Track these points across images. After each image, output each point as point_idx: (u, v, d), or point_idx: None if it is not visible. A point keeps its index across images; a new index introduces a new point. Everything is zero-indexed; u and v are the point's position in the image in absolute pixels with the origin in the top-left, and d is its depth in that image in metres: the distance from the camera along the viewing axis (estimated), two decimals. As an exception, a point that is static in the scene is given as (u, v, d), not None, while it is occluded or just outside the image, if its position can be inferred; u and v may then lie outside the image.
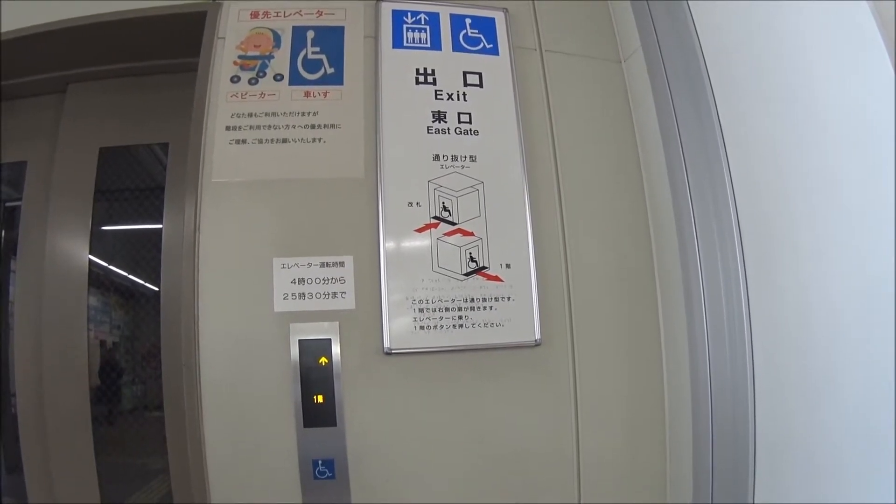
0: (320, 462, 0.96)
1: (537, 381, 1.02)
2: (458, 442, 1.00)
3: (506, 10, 1.15)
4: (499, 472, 1.00)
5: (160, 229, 1.15)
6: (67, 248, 1.15)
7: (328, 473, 0.96)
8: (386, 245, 0.99)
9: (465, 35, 1.11)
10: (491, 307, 1.00)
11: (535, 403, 1.02)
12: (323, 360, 0.98)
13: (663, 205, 1.07)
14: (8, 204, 1.28)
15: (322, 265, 0.99)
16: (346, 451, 0.97)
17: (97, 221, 1.17)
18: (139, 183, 1.23)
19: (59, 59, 1.19)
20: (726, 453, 0.92)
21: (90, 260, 1.16)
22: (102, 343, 1.21)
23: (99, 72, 1.20)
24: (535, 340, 1.00)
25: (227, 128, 1.03)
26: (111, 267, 1.23)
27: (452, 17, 1.12)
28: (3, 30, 1.17)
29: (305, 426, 0.96)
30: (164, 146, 1.18)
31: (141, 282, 1.26)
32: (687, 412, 1.00)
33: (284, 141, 1.02)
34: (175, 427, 1.04)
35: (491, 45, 1.11)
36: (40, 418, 1.12)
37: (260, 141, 1.02)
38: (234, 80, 1.06)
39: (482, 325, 1.00)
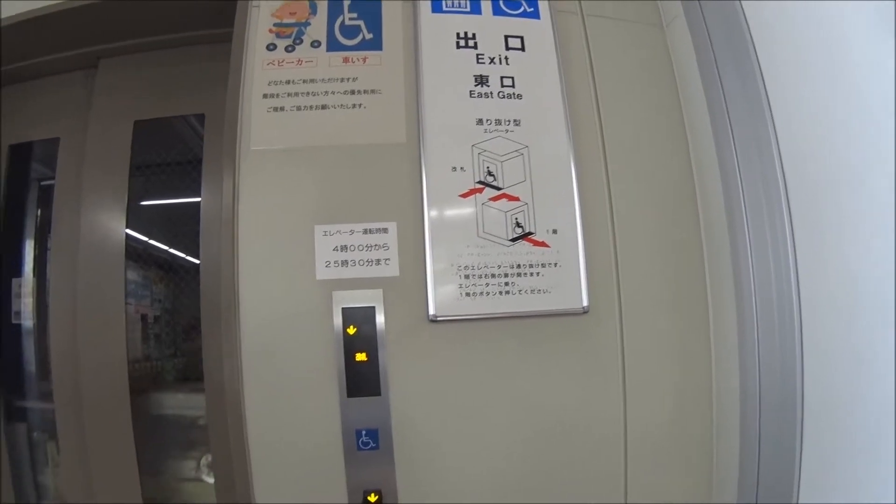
0: (364, 432, 0.94)
1: (584, 349, 0.99)
2: (504, 411, 0.97)
3: (546, -26, 1.11)
4: (544, 442, 0.97)
5: (198, 201, 1.12)
6: (103, 223, 1.14)
7: (372, 444, 0.94)
8: (430, 211, 0.96)
9: (505, -2, 1.08)
10: (538, 273, 0.97)
11: (581, 372, 0.99)
12: (367, 328, 0.94)
13: (710, 172, 1.04)
14: (43, 183, 1.26)
15: (365, 232, 0.96)
16: (391, 420, 0.95)
17: (133, 195, 1.15)
18: (175, 155, 1.22)
19: (89, 35, 1.18)
20: (773, 428, 0.89)
21: (127, 234, 1.14)
22: (143, 317, 1.19)
23: (130, 46, 1.18)
24: (583, 308, 0.97)
25: (265, 95, 1.01)
26: (149, 240, 1.22)
27: (492, -20, 1.09)
28: (32, 7, 1.15)
29: (349, 396, 0.94)
30: (200, 117, 1.15)
31: (180, 254, 1.24)
32: (734, 384, 0.96)
33: (324, 107, 1.00)
34: (214, 399, 1.02)
35: (532, 9, 1.09)
36: (76, 392, 1.10)
37: (298, 108, 1.00)
38: (270, 47, 1.04)
39: (529, 291, 0.97)
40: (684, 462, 1.01)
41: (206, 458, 1.20)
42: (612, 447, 0.98)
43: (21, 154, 1.31)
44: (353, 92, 1.01)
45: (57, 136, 1.22)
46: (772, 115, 0.93)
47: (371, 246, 0.96)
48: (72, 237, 1.16)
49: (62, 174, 1.20)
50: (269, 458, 0.95)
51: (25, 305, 1.28)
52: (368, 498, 0.96)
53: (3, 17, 1.21)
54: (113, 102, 1.19)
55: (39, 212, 1.33)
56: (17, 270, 1.31)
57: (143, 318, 1.21)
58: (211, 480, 1.12)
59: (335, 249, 0.96)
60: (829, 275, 0.80)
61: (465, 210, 0.97)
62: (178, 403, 1.26)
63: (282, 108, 1.00)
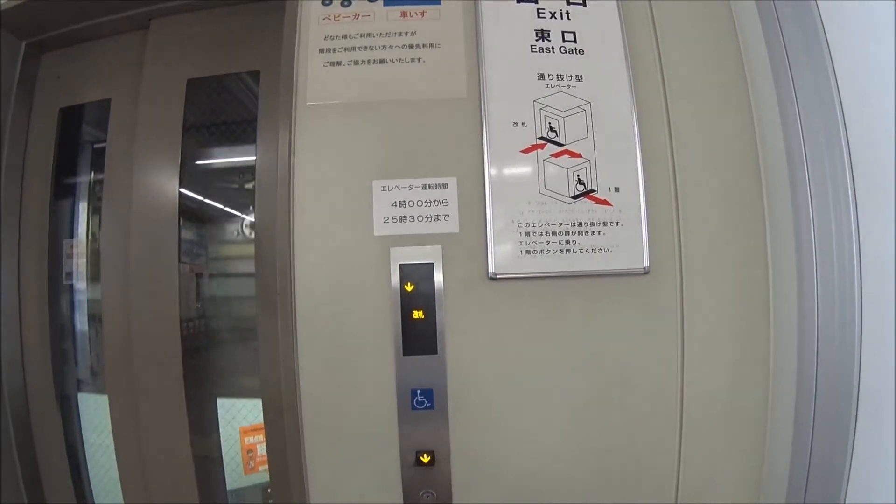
0: (419, 392, 0.92)
1: (644, 310, 0.96)
2: (561, 371, 0.95)
3: (604, -71, 1.08)
4: (600, 403, 0.95)
5: (253, 158, 1.11)
6: (156, 183, 1.13)
7: (427, 404, 0.92)
8: (491, 166, 0.94)
9: (564, -48, 1.05)
10: (599, 232, 0.94)
11: (640, 334, 0.96)
12: (425, 285, 0.92)
13: (772, 133, 1.00)
14: (95, 145, 1.27)
15: (424, 187, 0.94)
16: (447, 380, 0.93)
17: (187, 154, 1.14)
18: (230, 113, 1.21)
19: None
20: (829, 399, 0.86)
21: (181, 193, 1.13)
22: (198, 275, 1.19)
23: (182, 5, 1.17)
24: (644, 268, 0.95)
25: (321, 50, 1.00)
26: (204, 199, 1.21)
27: (549, -66, 1.06)
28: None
29: (405, 354, 0.92)
30: (255, 74, 1.14)
31: (235, 212, 1.23)
32: (792, 353, 0.93)
33: (382, 62, 0.98)
34: (268, 355, 1.01)
35: (592, -36, 1.05)
36: (127, 352, 1.10)
37: (356, 62, 0.98)
38: (326, 2, 1.02)
39: (590, 250, 0.94)
40: (739, 423, 0.98)
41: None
42: (668, 406, 0.96)
43: (72, 116, 1.31)
44: (411, 46, 0.99)
45: (108, 98, 1.21)
46: (834, 70, 0.89)
47: (430, 202, 0.94)
48: (124, 198, 1.16)
49: (114, 135, 1.20)
50: (321, 416, 0.95)
51: (77, 266, 1.28)
52: (421, 458, 0.94)
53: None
54: (165, 62, 1.18)
55: (93, 174, 1.33)
56: (69, 231, 1.32)
57: (199, 276, 1.21)
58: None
59: (393, 205, 0.94)
60: (889, 237, 0.76)
61: (526, 166, 0.95)
62: (232, 362, 1.26)
63: (338, 63, 0.98)
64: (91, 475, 1.33)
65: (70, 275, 1.28)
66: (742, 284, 0.99)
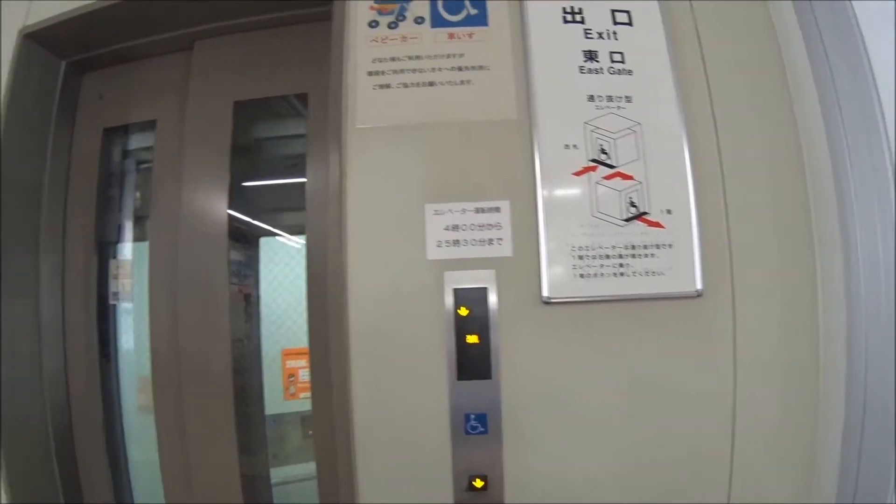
0: (472, 416, 0.92)
1: (698, 333, 0.96)
2: (614, 394, 0.94)
3: (647, -54, 1.07)
4: (654, 428, 0.94)
5: (302, 180, 1.11)
6: (205, 204, 1.14)
7: (480, 428, 0.92)
8: (543, 189, 0.94)
9: (609, -28, 1.05)
10: (652, 255, 0.94)
11: (693, 357, 0.95)
12: (478, 309, 0.92)
13: (818, 150, 0.99)
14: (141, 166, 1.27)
15: (477, 211, 0.94)
16: (500, 404, 0.93)
17: (235, 175, 1.15)
18: (278, 135, 1.21)
19: (184, 17, 1.17)
20: (877, 420, 0.86)
21: (230, 214, 1.14)
22: (247, 296, 1.19)
23: (226, 27, 1.17)
24: (697, 291, 0.94)
25: (370, 73, 1.00)
26: (253, 221, 1.21)
27: (594, -47, 1.05)
28: (125, -9, 1.15)
29: (459, 379, 0.92)
30: (302, 96, 1.14)
31: (284, 234, 1.24)
32: (840, 374, 0.93)
33: (431, 84, 0.98)
34: (319, 378, 1.01)
35: (637, -18, 1.05)
36: (175, 371, 1.11)
37: (405, 85, 0.98)
38: (373, 24, 1.02)
39: (643, 273, 0.93)
40: (787, 450, 0.97)
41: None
42: (721, 428, 0.95)
43: (115, 136, 1.32)
44: (460, 68, 0.99)
45: (154, 119, 1.22)
46: (877, 90, 0.89)
47: (483, 225, 0.94)
48: (172, 218, 1.16)
49: (160, 156, 1.21)
50: (373, 439, 0.94)
51: (123, 286, 1.29)
52: (474, 483, 0.94)
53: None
54: (211, 84, 1.18)
55: (138, 194, 1.34)
56: (114, 251, 1.32)
57: (247, 297, 1.21)
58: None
59: (446, 229, 0.94)
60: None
61: (578, 189, 0.94)
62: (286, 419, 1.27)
63: (387, 86, 0.98)
64: (134, 493, 1.33)
65: (116, 294, 1.29)
66: (792, 304, 0.98)
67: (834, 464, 0.94)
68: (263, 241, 1.30)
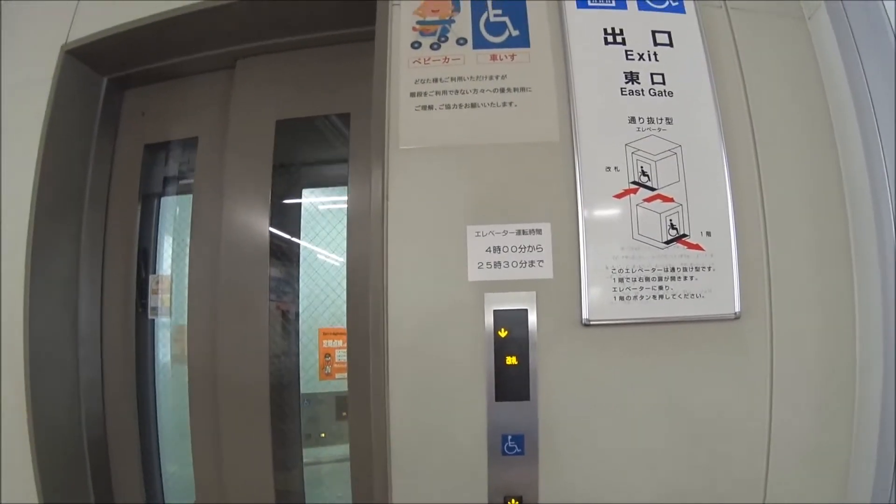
0: (510, 437, 0.93)
1: (735, 356, 0.96)
2: (653, 418, 0.94)
3: (687, -34, 1.08)
4: (690, 450, 0.95)
5: (343, 200, 1.13)
6: (246, 221, 1.16)
7: (517, 449, 0.93)
8: (584, 211, 0.94)
9: (649, -8, 1.05)
10: (692, 277, 0.94)
11: (732, 380, 0.96)
12: (518, 331, 0.93)
13: (858, 173, 0.99)
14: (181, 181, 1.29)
15: (518, 233, 0.95)
16: (538, 425, 0.94)
17: (276, 193, 1.16)
18: (319, 154, 1.22)
19: (227, 35, 1.19)
20: None
21: (271, 232, 1.15)
22: (284, 313, 1.21)
23: (268, 46, 1.19)
24: (735, 313, 0.94)
25: (412, 94, 1.01)
26: (292, 238, 1.23)
27: (634, -26, 1.06)
28: (167, 8, 1.17)
29: (497, 400, 0.93)
30: (345, 116, 1.15)
31: (324, 252, 1.25)
32: (876, 401, 0.93)
33: (473, 106, 0.99)
34: (358, 396, 1.03)
35: (677, 3, 1.05)
36: (213, 386, 1.12)
37: (447, 106, 0.99)
38: (415, 45, 1.03)
39: (682, 295, 0.94)
40: (822, 471, 0.98)
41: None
42: (755, 456, 0.95)
43: (156, 152, 1.34)
44: (502, 90, 1.00)
45: (195, 136, 1.24)
46: None
47: (525, 247, 0.95)
48: (212, 234, 1.18)
49: (201, 173, 1.22)
50: (409, 457, 0.96)
51: (162, 301, 1.32)
52: (509, 503, 0.94)
53: (136, 17, 1.24)
54: (253, 102, 1.20)
55: (178, 209, 1.36)
56: (153, 267, 1.35)
57: (284, 314, 1.23)
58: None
59: (488, 250, 0.95)
60: None
61: (619, 211, 0.95)
62: (320, 399, 1.28)
63: (430, 107, 1.00)
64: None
65: (155, 309, 1.31)
66: (830, 328, 0.98)
67: (867, 488, 0.94)
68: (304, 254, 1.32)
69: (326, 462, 1.30)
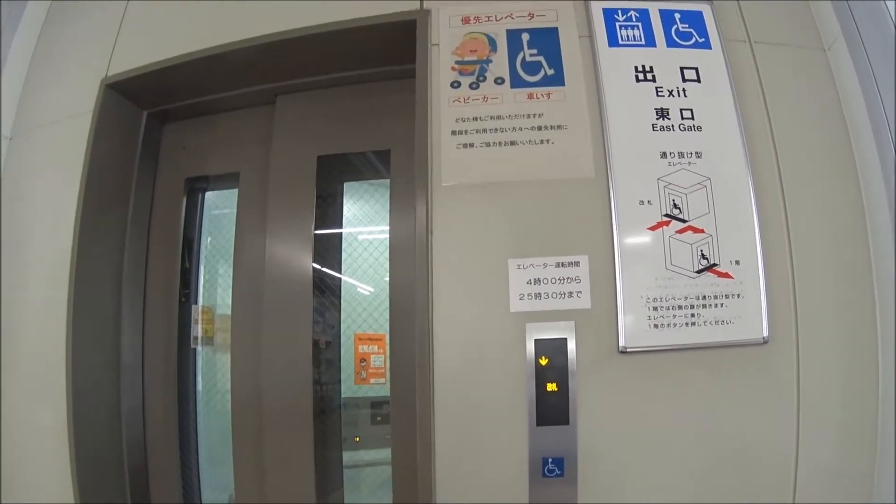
0: (550, 460, 0.98)
1: (764, 380, 1.01)
2: (686, 441, 0.99)
3: (711, 2, 1.13)
4: (721, 473, 0.99)
5: (385, 233, 1.17)
6: (290, 256, 1.20)
7: (557, 471, 0.98)
8: (620, 244, 0.99)
9: (676, 30, 1.10)
10: (722, 304, 0.99)
11: (760, 403, 1.00)
12: (558, 358, 0.98)
13: (878, 200, 1.04)
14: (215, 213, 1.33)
15: (557, 265, 1.00)
16: (577, 449, 0.98)
17: (319, 227, 1.21)
18: (360, 191, 1.27)
19: (267, 72, 1.24)
20: None
21: (316, 262, 1.20)
22: (328, 344, 1.26)
23: (308, 83, 1.23)
24: (763, 338, 0.99)
25: (453, 132, 1.06)
26: (334, 272, 1.27)
27: (661, 12, 1.11)
28: (207, 45, 1.22)
29: (538, 424, 0.98)
30: (385, 153, 1.20)
31: (363, 285, 1.30)
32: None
33: (512, 143, 1.04)
34: (401, 424, 1.08)
35: (703, 39, 1.10)
36: (257, 425, 1.16)
37: (487, 144, 1.04)
38: (455, 85, 1.08)
39: (713, 322, 0.99)
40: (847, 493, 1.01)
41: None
42: (783, 476, 1.00)
43: (196, 186, 1.38)
44: (539, 128, 1.05)
45: (237, 171, 1.28)
46: None
47: (563, 279, 1.00)
48: (256, 268, 1.22)
49: (243, 206, 1.27)
50: (454, 480, 1.00)
51: (205, 331, 1.36)
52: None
53: (176, 53, 1.28)
54: (294, 138, 1.25)
55: (209, 239, 1.39)
56: (195, 297, 1.40)
57: (316, 343, 1.27)
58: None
59: (529, 282, 1.00)
60: None
61: (653, 242, 1.00)
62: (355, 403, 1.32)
63: (471, 145, 1.05)
64: None
65: (197, 339, 1.36)
66: (853, 351, 1.03)
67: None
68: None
69: (360, 466, 1.34)
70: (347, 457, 1.29)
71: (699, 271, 1.00)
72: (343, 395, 1.30)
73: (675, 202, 1.01)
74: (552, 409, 0.98)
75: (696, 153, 1.03)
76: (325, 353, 1.25)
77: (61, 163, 1.33)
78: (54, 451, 1.22)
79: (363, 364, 1.33)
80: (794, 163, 1.07)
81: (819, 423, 1.00)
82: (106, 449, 1.26)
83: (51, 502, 1.23)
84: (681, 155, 1.03)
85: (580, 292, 0.99)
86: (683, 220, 1.01)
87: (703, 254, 1.00)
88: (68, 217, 1.26)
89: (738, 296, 1.00)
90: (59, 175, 1.32)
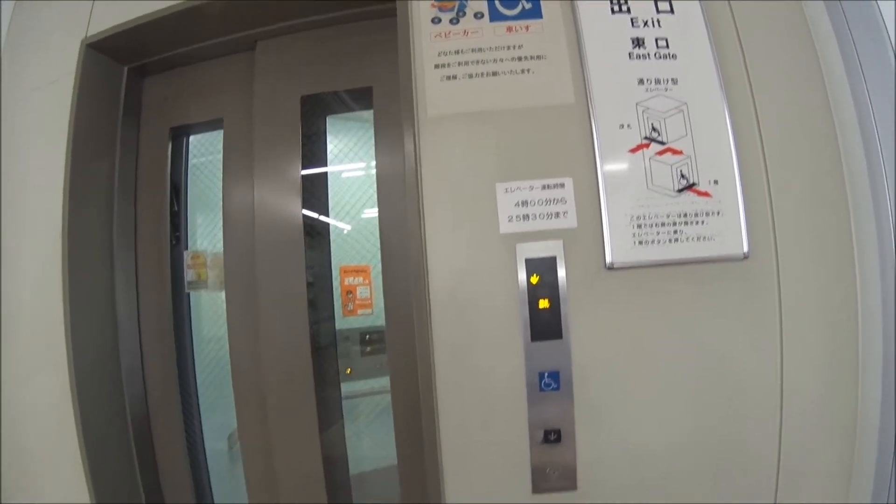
0: (546, 374, 1.01)
1: (746, 293, 1.04)
2: (671, 352, 1.03)
3: (682, -64, 1.16)
4: (707, 382, 1.03)
5: (365, 169, 1.19)
6: (278, 194, 1.21)
7: (553, 385, 1.01)
8: (603, 166, 1.03)
9: (649, -38, 1.14)
10: (703, 222, 1.03)
11: (744, 316, 1.04)
12: (548, 276, 1.01)
13: (849, 118, 1.09)
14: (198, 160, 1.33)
15: (543, 187, 1.03)
16: (571, 362, 1.02)
17: (306, 166, 1.22)
18: (344, 129, 1.28)
19: (245, 20, 1.24)
20: None
21: (304, 207, 1.21)
22: (318, 279, 1.26)
23: (287, 27, 1.24)
24: (744, 254, 1.03)
25: (436, 66, 1.08)
26: (321, 208, 1.28)
27: (635, -55, 1.14)
28: (181, -1, 1.22)
29: (533, 340, 1.01)
30: (367, 90, 1.22)
31: (346, 219, 1.30)
32: (877, 334, 1.03)
33: (494, 74, 1.07)
34: (398, 351, 1.09)
35: (674, -28, 1.14)
36: (256, 365, 1.17)
37: (470, 76, 1.07)
38: (435, 21, 1.11)
39: (695, 238, 1.03)
40: (832, 412, 1.06)
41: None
42: (769, 388, 1.04)
43: (181, 135, 1.39)
44: (520, 59, 1.08)
45: (220, 117, 1.29)
46: None
47: (550, 200, 1.03)
48: (244, 210, 1.23)
49: (228, 152, 1.28)
50: (454, 399, 1.03)
51: (198, 275, 1.36)
52: (549, 436, 1.02)
53: (152, 10, 1.28)
54: (276, 81, 1.26)
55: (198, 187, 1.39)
56: (185, 243, 1.40)
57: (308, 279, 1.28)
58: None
59: (517, 205, 1.03)
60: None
61: (634, 164, 1.03)
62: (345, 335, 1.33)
63: (454, 77, 1.07)
64: (213, 485, 1.40)
65: (191, 283, 1.36)
66: (831, 262, 1.07)
67: (874, 418, 1.03)
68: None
69: (354, 397, 1.35)
70: (343, 388, 1.30)
71: (679, 190, 1.03)
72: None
73: (654, 126, 1.05)
74: (545, 324, 1.01)
75: (672, 79, 1.07)
76: (317, 289, 1.26)
77: (47, 125, 1.32)
78: (60, 411, 1.22)
79: (350, 296, 1.34)
80: (766, 85, 1.11)
81: (801, 334, 1.04)
82: (109, 404, 1.27)
83: (58, 464, 1.24)
84: (657, 81, 1.07)
85: (566, 212, 1.02)
86: (662, 143, 1.04)
87: (682, 174, 1.04)
88: (57, 178, 1.26)
89: (718, 213, 1.04)
90: (46, 137, 1.31)
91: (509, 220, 1.02)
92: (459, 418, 1.03)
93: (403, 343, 1.08)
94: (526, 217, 1.02)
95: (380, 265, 1.18)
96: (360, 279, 1.33)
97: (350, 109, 1.29)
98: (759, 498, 1.03)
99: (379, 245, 1.15)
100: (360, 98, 1.24)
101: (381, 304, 1.19)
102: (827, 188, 1.08)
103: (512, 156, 1.04)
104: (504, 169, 1.04)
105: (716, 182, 1.04)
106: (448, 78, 1.07)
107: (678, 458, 1.03)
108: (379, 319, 1.26)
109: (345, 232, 1.38)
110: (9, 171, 1.33)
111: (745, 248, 1.03)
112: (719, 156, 1.05)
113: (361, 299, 1.33)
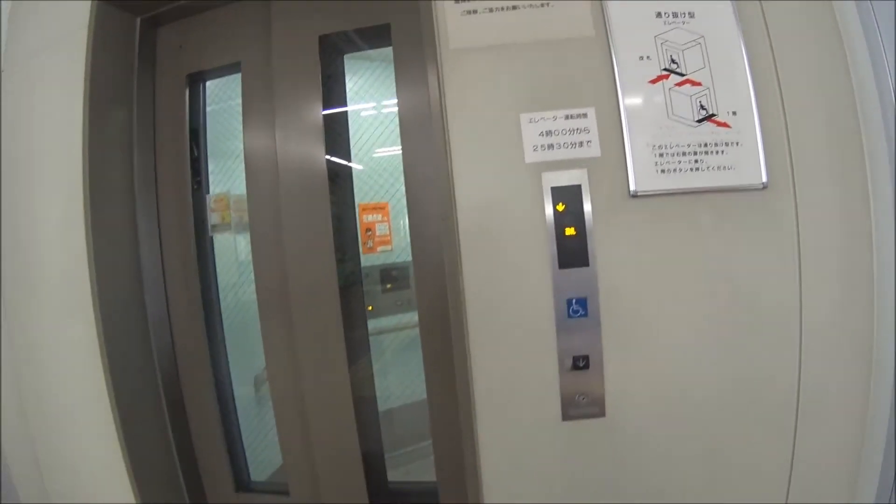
0: (574, 300, 1.02)
1: (766, 222, 1.06)
2: (696, 280, 1.05)
3: None
4: (731, 309, 1.06)
5: (383, 107, 1.20)
6: (300, 136, 1.21)
7: (581, 312, 1.03)
8: (624, 96, 1.04)
9: None
10: (722, 151, 1.05)
11: (764, 244, 1.06)
12: (574, 204, 1.02)
13: (861, 54, 1.11)
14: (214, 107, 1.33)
15: (567, 117, 1.04)
16: (598, 288, 1.03)
17: (326, 107, 1.23)
18: (361, 69, 1.28)
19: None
20: None
21: (327, 142, 1.21)
22: (342, 218, 1.26)
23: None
24: (763, 184, 1.05)
25: (456, 0, 1.09)
26: (343, 148, 1.28)
27: None
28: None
29: (560, 267, 1.02)
30: (384, 27, 1.22)
31: (367, 157, 1.31)
32: (892, 262, 1.05)
33: (514, 8, 1.08)
34: (426, 281, 1.10)
35: None
36: (285, 305, 1.17)
37: (490, 10, 1.08)
38: (454, -41, 1.11)
39: (716, 168, 1.05)
40: (850, 340, 1.08)
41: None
42: (788, 312, 1.06)
43: (197, 81, 1.39)
44: (538, -8, 1.09)
45: (238, 61, 1.29)
46: None
47: (573, 130, 1.04)
48: (266, 153, 1.23)
49: (248, 94, 1.28)
50: (485, 330, 1.05)
51: (223, 218, 1.36)
52: (577, 363, 1.04)
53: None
54: (293, 22, 1.25)
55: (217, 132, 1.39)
56: (206, 187, 1.40)
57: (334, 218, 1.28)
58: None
59: (541, 134, 1.04)
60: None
61: (654, 95, 1.05)
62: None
63: (475, 11, 1.08)
64: (242, 428, 1.40)
65: (215, 227, 1.36)
66: (846, 190, 1.09)
67: (890, 345, 1.05)
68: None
69: (378, 333, 1.36)
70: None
71: (699, 121, 1.05)
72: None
73: (673, 58, 1.07)
74: (572, 252, 1.03)
75: (690, 13, 1.09)
76: (341, 227, 1.27)
77: (62, 81, 1.30)
78: (88, 365, 1.22)
79: (369, 234, 1.34)
80: (782, 19, 1.13)
81: (819, 262, 1.06)
82: (138, 356, 1.27)
83: (89, 419, 1.24)
84: (675, 15, 1.09)
85: (590, 142, 1.04)
86: (681, 74, 1.06)
87: (701, 105, 1.06)
88: (76, 132, 1.25)
89: (737, 144, 1.05)
90: (62, 92, 1.30)
91: (534, 150, 1.03)
92: (490, 348, 1.04)
93: (431, 277, 1.09)
94: (550, 146, 1.04)
95: (396, 203, 1.19)
96: (379, 216, 1.33)
97: (366, 48, 1.29)
98: (781, 425, 1.05)
99: (397, 182, 1.16)
100: (378, 36, 1.24)
101: (399, 241, 1.19)
102: (841, 119, 1.10)
103: (534, 87, 1.06)
104: (527, 100, 1.05)
105: (734, 113, 1.06)
106: (468, 12, 1.08)
107: (703, 377, 1.06)
108: (398, 256, 1.26)
109: (363, 169, 1.38)
110: (26, 127, 1.32)
111: (764, 178, 1.05)
112: (737, 88, 1.07)
113: (380, 236, 1.34)
